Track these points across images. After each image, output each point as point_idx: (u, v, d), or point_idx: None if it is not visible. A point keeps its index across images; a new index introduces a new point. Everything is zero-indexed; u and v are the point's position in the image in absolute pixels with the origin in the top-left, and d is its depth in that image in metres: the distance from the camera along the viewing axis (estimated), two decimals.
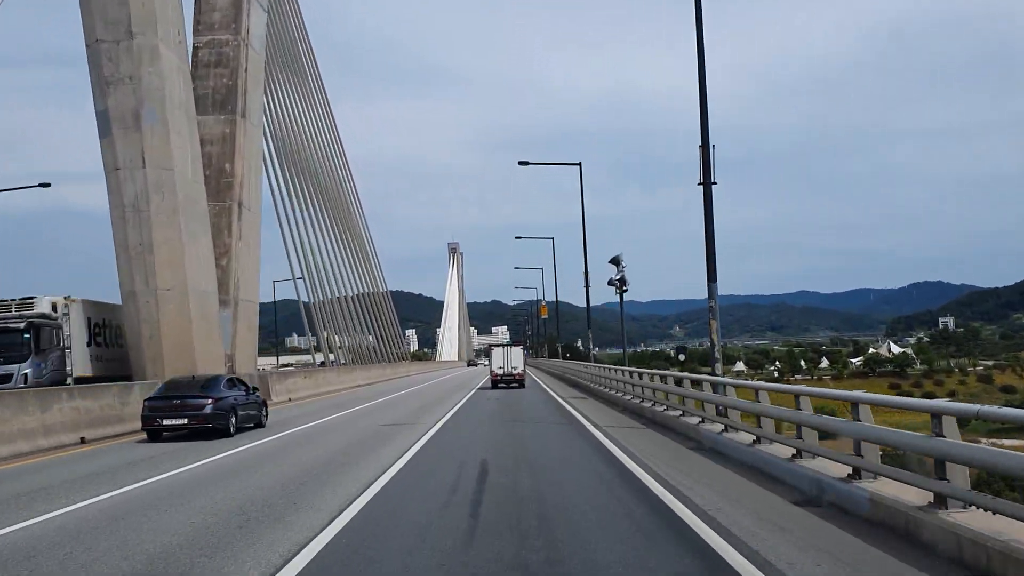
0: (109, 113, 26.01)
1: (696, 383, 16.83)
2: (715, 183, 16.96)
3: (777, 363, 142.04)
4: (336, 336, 58.36)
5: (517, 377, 42.80)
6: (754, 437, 12.13)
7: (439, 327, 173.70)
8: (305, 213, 52.75)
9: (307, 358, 62.59)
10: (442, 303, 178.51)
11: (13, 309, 26.83)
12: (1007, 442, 38.97)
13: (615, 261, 30.54)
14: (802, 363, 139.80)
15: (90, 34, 26.14)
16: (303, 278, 50.65)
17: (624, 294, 31.00)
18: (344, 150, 69.60)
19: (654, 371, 23.91)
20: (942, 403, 7.32)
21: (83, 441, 18.67)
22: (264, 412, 21.90)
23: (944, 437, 6.85)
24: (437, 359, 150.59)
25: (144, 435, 19.14)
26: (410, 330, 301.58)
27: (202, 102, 32.75)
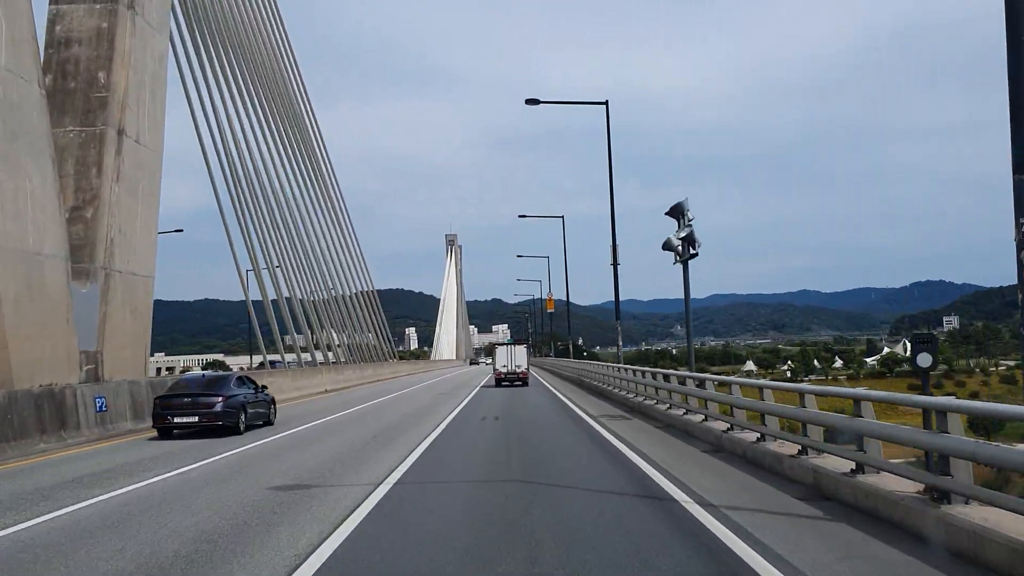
0: None
1: None
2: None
3: (789, 363, 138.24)
4: (304, 335, 50.01)
5: (521, 375, 43.74)
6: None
7: (441, 326, 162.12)
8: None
9: (291, 358, 52.93)
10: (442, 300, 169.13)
11: None
12: None
13: (676, 212, 19.33)
14: (815, 362, 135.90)
15: None
16: (267, 268, 43.76)
17: (691, 260, 19.40)
18: (326, 151, 62.64)
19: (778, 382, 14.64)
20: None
21: None
22: (273, 410, 22.14)
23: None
24: (434, 358, 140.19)
25: (155, 433, 19.36)
26: (410, 328, 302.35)
27: None
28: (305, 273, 51.42)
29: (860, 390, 9.20)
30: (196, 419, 18.89)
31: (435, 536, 8.04)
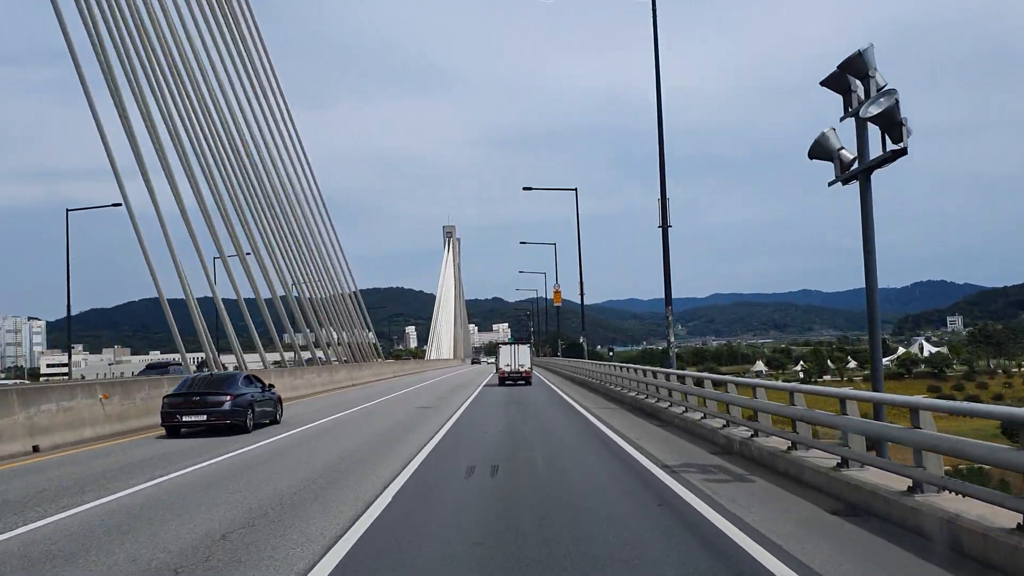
0: None
1: None
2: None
3: (802, 363, 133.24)
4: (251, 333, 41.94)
5: (524, 374, 44.58)
6: None
7: (438, 323, 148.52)
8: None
9: (274, 356, 45.92)
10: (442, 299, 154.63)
11: None
12: None
13: (849, 71, 10.93)
14: (829, 363, 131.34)
15: None
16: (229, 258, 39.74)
17: (899, 156, 10.23)
18: (301, 145, 57.26)
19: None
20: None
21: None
22: (279, 409, 22.51)
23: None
24: (430, 356, 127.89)
25: (163, 432, 19.66)
26: (410, 326, 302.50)
27: None
28: (271, 266, 46.65)
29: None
30: (204, 418, 19.20)
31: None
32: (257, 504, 10.10)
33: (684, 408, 18.24)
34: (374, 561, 7.28)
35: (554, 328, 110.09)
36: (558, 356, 72.56)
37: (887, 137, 10.20)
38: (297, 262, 53.03)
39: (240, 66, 47.97)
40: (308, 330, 51.41)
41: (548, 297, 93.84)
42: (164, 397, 20.10)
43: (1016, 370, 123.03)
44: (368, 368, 59.79)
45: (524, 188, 49.34)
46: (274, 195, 50.10)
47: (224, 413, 19.23)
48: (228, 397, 19.45)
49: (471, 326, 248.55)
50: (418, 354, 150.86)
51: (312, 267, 56.23)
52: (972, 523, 6.59)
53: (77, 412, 18.96)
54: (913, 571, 6.52)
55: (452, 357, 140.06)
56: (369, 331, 72.94)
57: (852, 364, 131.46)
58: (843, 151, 11.21)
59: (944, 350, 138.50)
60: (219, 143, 41.95)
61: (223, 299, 38.97)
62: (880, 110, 10.04)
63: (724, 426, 14.57)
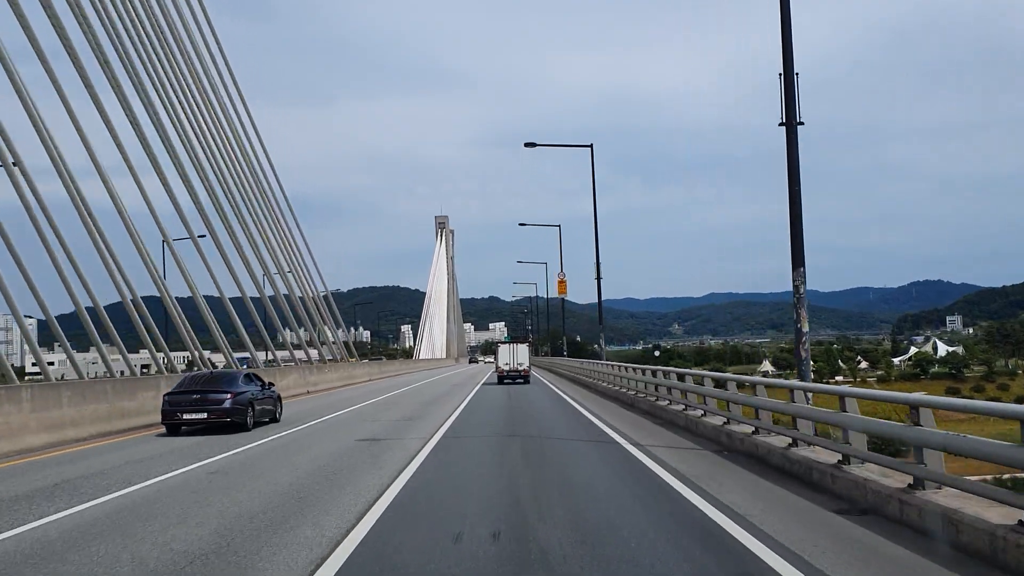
0: None
1: None
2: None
3: (813, 363, 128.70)
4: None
5: (523, 373, 44.85)
6: None
7: (430, 320, 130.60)
8: None
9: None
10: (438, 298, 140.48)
11: None
12: None
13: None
14: (840, 363, 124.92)
15: None
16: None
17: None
18: (261, 142, 49.53)
19: None
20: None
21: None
22: (279, 407, 22.55)
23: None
24: (420, 356, 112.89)
25: (163, 429, 19.74)
26: (406, 325, 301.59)
27: None
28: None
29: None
30: (205, 415, 19.21)
31: None
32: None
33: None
34: None
35: (551, 327, 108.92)
36: (564, 355, 65.63)
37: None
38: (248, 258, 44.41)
39: (189, 63, 42.41)
40: (247, 328, 42.17)
41: (545, 296, 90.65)
42: (164, 395, 20.13)
43: None
44: (335, 371, 50.06)
45: (526, 144, 37.88)
46: (227, 192, 43.43)
47: (224, 411, 19.24)
48: (229, 395, 19.46)
49: (467, 325, 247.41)
50: (408, 353, 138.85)
51: (271, 263, 47.94)
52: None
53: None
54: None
55: (445, 356, 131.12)
56: (339, 329, 61.41)
57: (863, 364, 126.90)
58: None
59: (960, 349, 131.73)
60: (182, 139, 38.35)
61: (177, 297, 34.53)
62: None
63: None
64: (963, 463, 10.60)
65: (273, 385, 22.68)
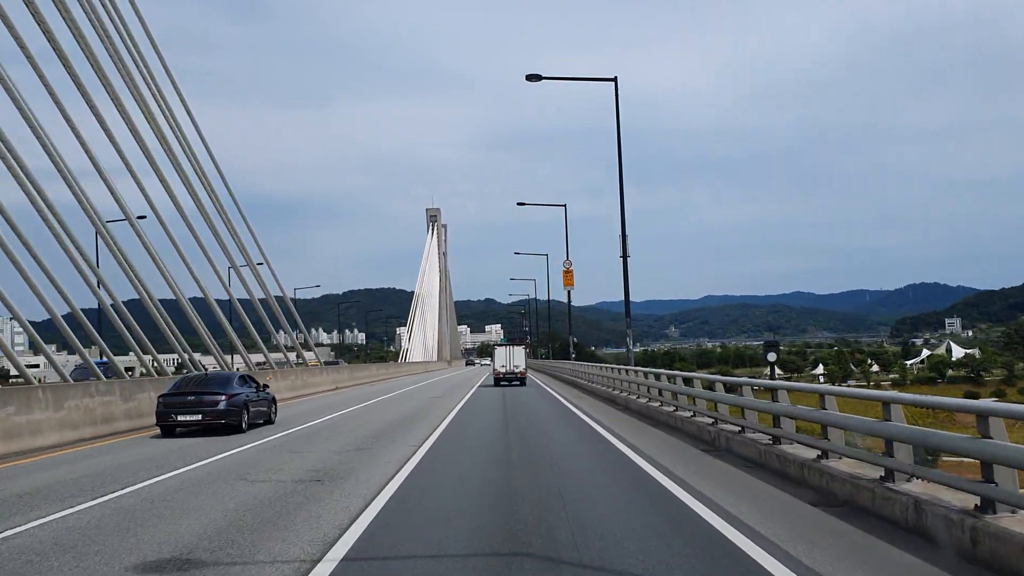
0: None
1: None
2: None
3: (822, 366, 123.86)
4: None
5: (519, 375, 44.89)
6: None
7: (420, 319, 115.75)
8: None
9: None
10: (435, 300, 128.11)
11: None
12: None
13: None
14: (852, 366, 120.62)
15: None
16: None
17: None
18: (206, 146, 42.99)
19: None
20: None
21: None
22: (274, 409, 22.69)
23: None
24: (406, 359, 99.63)
25: (157, 431, 19.85)
26: (402, 327, 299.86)
27: None
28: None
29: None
30: (199, 417, 19.29)
31: None
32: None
33: None
34: None
35: (551, 328, 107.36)
36: (572, 359, 55.80)
37: None
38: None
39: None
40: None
41: (545, 293, 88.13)
42: (159, 397, 20.14)
43: None
44: (283, 379, 37.82)
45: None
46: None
47: (219, 413, 19.30)
48: (223, 397, 19.52)
49: (463, 327, 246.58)
50: (396, 355, 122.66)
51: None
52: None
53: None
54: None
55: (436, 359, 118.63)
56: (297, 331, 51.04)
57: (875, 368, 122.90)
58: None
59: (976, 352, 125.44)
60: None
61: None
62: None
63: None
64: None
65: (267, 387, 22.84)
